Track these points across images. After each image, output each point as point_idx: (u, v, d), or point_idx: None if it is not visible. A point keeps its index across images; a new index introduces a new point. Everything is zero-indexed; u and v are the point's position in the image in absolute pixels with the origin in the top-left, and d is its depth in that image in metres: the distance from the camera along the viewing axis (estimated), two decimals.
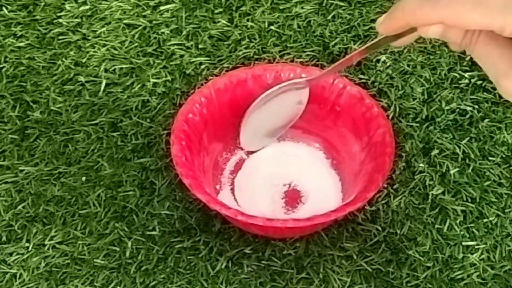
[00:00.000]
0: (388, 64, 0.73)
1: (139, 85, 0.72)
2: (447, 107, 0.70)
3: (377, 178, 0.58)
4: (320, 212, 0.58)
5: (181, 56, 0.74)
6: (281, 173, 0.66)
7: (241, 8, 0.77)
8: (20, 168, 0.67)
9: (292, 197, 0.65)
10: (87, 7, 0.77)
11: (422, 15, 0.41)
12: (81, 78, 0.72)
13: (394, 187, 0.65)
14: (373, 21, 0.76)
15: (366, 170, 0.61)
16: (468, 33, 0.42)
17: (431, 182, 0.66)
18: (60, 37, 0.75)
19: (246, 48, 0.74)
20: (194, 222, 0.63)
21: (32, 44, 0.75)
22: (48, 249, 0.62)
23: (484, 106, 0.70)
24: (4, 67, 0.73)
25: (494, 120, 0.70)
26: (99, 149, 0.68)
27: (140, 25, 0.76)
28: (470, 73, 0.72)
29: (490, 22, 0.39)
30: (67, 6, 0.77)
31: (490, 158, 0.67)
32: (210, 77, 0.71)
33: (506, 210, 0.64)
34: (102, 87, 0.71)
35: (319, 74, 0.63)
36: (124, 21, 0.76)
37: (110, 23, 0.76)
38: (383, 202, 0.64)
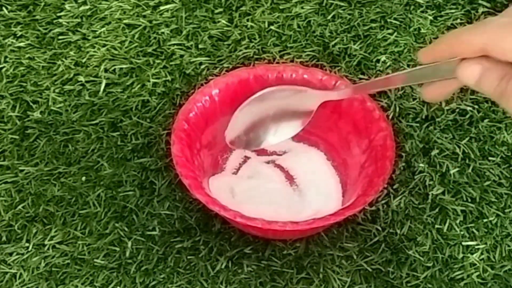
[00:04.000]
0: (388, 64, 0.73)
1: (139, 85, 0.72)
2: (447, 107, 0.70)
3: (377, 182, 0.58)
4: (320, 214, 0.58)
5: (181, 56, 0.74)
6: (281, 174, 0.66)
7: (241, 8, 0.77)
8: (20, 168, 0.67)
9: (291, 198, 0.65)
10: (87, 7, 0.77)
11: (466, 38, 0.42)
12: (81, 78, 0.72)
13: (394, 187, 0.65)
14: (373, 21, 0.76)
15: (366, 173, 0.61)
16: (504, 79, 0.42)
17: (431, 182, 0.66)
18: (60, 37, 0.75)
19: (246, 48, 0.74)
20: (194, 222, 0.63)
21: (32, 44, 0.75)
22: (48, 249, 0.62)
23: (484, 106, 0.70)
24: (4, 67, 0.73)
25: (494, 120, 0.70)
26: (99, 149, 0.68)
27: (140, 25, 0.76)
28: None
29: None
30: (67, 6, 0.77)
31: (490, 158, 0.67)
32: (210, 77, 0.71)
33: (506, 210, 0.64)
34: (102, 87, 0.71)
35: (350, 89, 0.61)
36: (124, 21, 0.76)
37: (110, 23, 0.76)
38: (383, 202, 0.64)
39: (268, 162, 0.67)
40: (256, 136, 0.64)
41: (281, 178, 0.66)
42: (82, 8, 0.77)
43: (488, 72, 0.42)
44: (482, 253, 0.62)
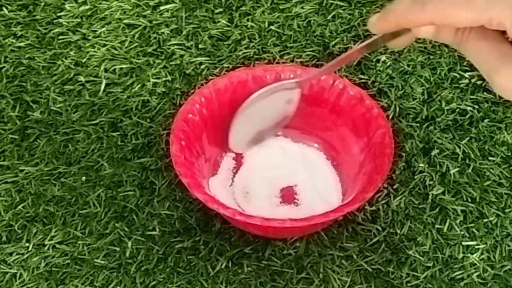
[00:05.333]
0: (388, 64, 0.73)
1: (139, 85, 0.72)
2: (447, 107, 0.70)
3: (376, 179, 0.58)
4: (320, 212, 0.58)
5: (181, 56, 0.74)
6: (281, 173, 0.66)
7: (241, 8, 0.77)
8: (20, 168, 0.67)
9: (291, 197, 0.65)
10: (87, 7, 0.77)
11: (412, 17, 0.42)
12: (81, 78, 0.72)
13: (394, 187, 0.65)
14: None
15: (366, 170, 0.61)
16: (458, 31, 0.42)
17: (431, 182, 0.66)
18: (60, 37, 0.75)
19: (246, 48, 0.74)
20: (194, 222, 0.63)
21: (32, 44, 0.75)
22: (48, 249, 0.62)
23: (484, 106, 0.70)
24: (4, 67, 0.73)
25: (494, 120, 0.70)
26: (99, 149, 0.68)
27: (140, 25, 0.76)
28: (470, 73, 0.72)
29: (478, 17, 0.40)
30: (67, 6, 0.77)
31: (490, 158, 0.67)
32: (210, 77, 0.71)
33: (506, 210, 0.64)
34: (102, 87, 0.71)
35: (310, 75, 0.62)
36: (124, 21, 0.76)
37: (110, 23, 0.76)
38: (383, 202, 0.64)
39: (267, 161, 0.67)
40: (255, 138, 0.65)
41: (280, 177, 0.66)
42: (82, 8, 0.77)
43: (442, 28, 0.43)
44: (482, 253, 0.62)
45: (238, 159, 0.67)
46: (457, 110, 0.70)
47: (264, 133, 0.65)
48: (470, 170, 0.66)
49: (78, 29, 0.76)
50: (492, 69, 0.41)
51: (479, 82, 0.72)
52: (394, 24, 0.44)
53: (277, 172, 0.66)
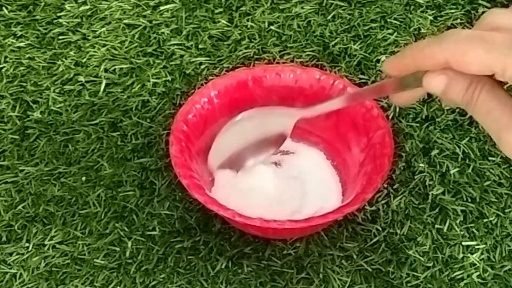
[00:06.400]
0: None
1: (139, 85, 0.72)
2: (447, 107, 0.70)
3: (376, 180, 0.58)
4: (320, 213, 0.58)
5: (181, 56, 0.74)
6: (280, 173, 0.66)
7: (241, 8, 0.77)
8: (20, 168, 0.67)
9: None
10: (87, 7, 0.77)
11: (429, 52, 0.42)
12: (81, 78, 0.72)
13: (394, 187, 0.65)
14: (373, 21, 0.76)
15: (365, 171, 0.61)
16: (469, 88, 0.42)
17: (431, 182, 0.66)
18: (60, 37, 0.75)
19: (246, 48, 0.74)
20: (194, 222, 0.63)
21: (32, 44, 0.75)
22: (48, 249, 0.62)
23: None
24: (4, 67, 0.73)
25: None
26: (99, 149, 0.68)
27: (140, 25, 0.76)
28: None
29: (493, 62, 0.39)
30: (67, 6, 0.77)
31: (490, 158, 0.67)
32: (210, 77, 0.71)
33: (506, 210, 0.64)
34: (102, 87, 0.71)
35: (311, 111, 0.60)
36: (124, 21, 0.76)
37: (110, 23, 0.76)
38: (383, 202, 0.64)
39: (267, 161, 0.67)
40: (239, 160, 0.64)
41: (280, 177, 0.66)
42: (82, 8, 0.77)
43: (453, 82, 0.42)
44: (482, 253, 0.62)
45: None
46: (457, 110, 0.70)
47: (246, 155, 0.63)
48: (470, 170, 0.66)
49: (78, 29, 0.76)
50: (502, 128, 0.41)
51: None
52: (409, 61, 0.44)
53: (276, 172, 0.66)
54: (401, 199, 0.65)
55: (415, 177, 0.66)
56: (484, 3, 0.77)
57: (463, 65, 0.41)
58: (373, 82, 0.72)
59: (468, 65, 0.41)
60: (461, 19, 0.76)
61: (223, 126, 0.62)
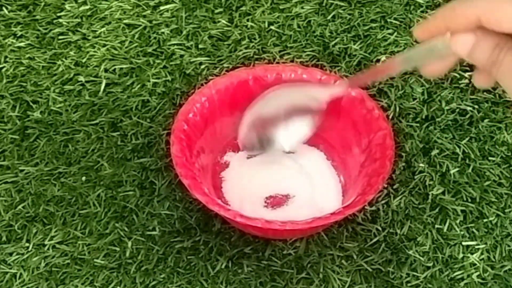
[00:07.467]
0: None
1: (139, 85, 0.72)
2: (447, 107, 0.70)
3: (376, 181, 0.58)
4: (320, 213, 0.58)
5: (181, 56, 0.74)
6: (280, 173, 0.66)
7: (241, 8, 0.77)
8: (20, 168, 0.67)
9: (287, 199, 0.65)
10: (87, 7, 0.77)
11: (460, 10, 0.42)
12: (81, 78, 0.72)
13: (394, 187, 0.65)
14: (373, 21, 0.76)
15: (366, 172, 0.61)
16: (496, 48, 0.42)
17: (431, 182, 0.66)
18: (60, 37, 0.75)
19: (246, 48, 0.74)
20: (194, 222, 0.63)
21: (32, 44, 0.75)
22: (48, 249, 0.62)
23: (484, 106, 0.70)
24: (4, 67, 0.73)
25: (494, 120, 0.70)
26: (99, 149, 0.68)
27: (140, 25, 0.76)
28: (470, 73, 0.72)
29: None
30: (67, 6, 0.77)
31: (490, 158, 0.67)
32: (210, 77, 0.71)
33: (506, 210, 0.64)
34: (102, 87, 0.71)
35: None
36: (124, 21, 0.76)
37: (110, 23, 0.76)
38: (383, 202, 0.64)
39: (267, 162, 0.67)
40: (269, 140, 0.63)
41: (280, 177, 0.66)
42: (82, 8, 0.77)
43: (481, 42, 0.42)
44: (482, 253, 0.62)
45: (239, 158, 0.67)
46: (457, 110, 0.70)
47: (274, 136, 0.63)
48: (470, 170, 0.66)
49: (78, 29, 0.76)
50: None
51: None
52: (440, 21, 0.43)
53: (276, 172, 0.66)
54: (401, 199, 0.65)
55: (415, 177, 0.66)
56: None
57: (494, 22, 0.41)
58: (373, 82, 0.72)
59: (499, 22, 0.41)
60: None
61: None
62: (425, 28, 0.45)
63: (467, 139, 0.68)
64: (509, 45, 0.42)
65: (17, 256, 0.62)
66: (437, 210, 0.64)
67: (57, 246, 0.62)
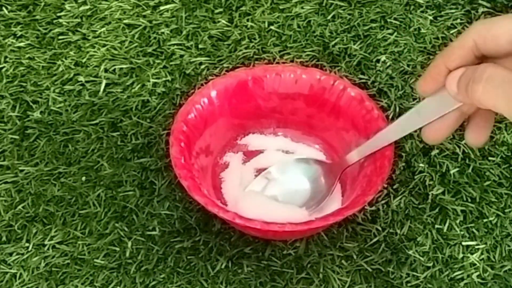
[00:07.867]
0: (388, 64, 0.73)
1: (139, 85, 0.72)
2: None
3: (376, 182, 0.58)
4: (319, 213, 0.58)
5: (181, 56, 0.74)
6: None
7: (241, 8, 0.77)
8: (20, 168, 0.67)
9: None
10: (87, 7, 0.77)
11: (456, 42, 0.43)
12: (81, 78, 0.72)
13: (394, 187, 0.65)
14: (373, 21, 0.76)
15: (365, 173, 0.61)
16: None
17: (431, 182, 0.66)
18: (60, 37, 0.75)
19: (246, 48, 0.74)
20: (194, 222, 0.63)
21: (32, 44, 0.75)
22: (48, 249, 0.62)
23: None
24: (4, 67, 0.73)
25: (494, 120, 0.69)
26: (99, 149, 0.68)
27: (140, 25, 0.76)
28: None
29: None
30: (67, 6, 0.77)
31: (490, 158, 0.67)
32: (210, 77, 0.71)
33: (506, 210, 0.64)
34: (102, 87, 0.71)
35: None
36: (124, 21, 0.76)
37: (110, 23, 0.76)
38: (383, 202, 0.64)
39: (267, 162, 0.67)
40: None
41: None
42: (82, 8, 0.77)
43: (469, 69, 0.42)
44: (482, 253, 0.62)
45: (239, 159, 0.67)
46: None
47: None
48: (470, 170, 0.66)
49: (78, 29, 0.76)
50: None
51: None
52: (440, 62, 0.44)
53: None
54: (401, 199, 0.65)
55: (415, 177, 0.66)
56: (484, 3, 0.77)
57: (491, 39, 0.41)
58: (373, 82, 0.72)
59: (496, 37, 0.41)
60: (461, 19, 0.76)
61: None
62: (427, 79, 0.45)
63: None
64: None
65: (17, 256, 0.62)
66: (437, 210, 0.64)
67: (57, 246, 0.62)
